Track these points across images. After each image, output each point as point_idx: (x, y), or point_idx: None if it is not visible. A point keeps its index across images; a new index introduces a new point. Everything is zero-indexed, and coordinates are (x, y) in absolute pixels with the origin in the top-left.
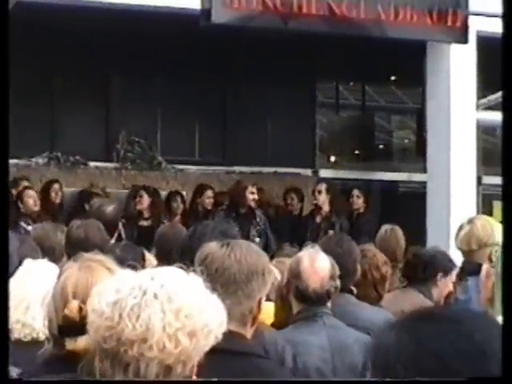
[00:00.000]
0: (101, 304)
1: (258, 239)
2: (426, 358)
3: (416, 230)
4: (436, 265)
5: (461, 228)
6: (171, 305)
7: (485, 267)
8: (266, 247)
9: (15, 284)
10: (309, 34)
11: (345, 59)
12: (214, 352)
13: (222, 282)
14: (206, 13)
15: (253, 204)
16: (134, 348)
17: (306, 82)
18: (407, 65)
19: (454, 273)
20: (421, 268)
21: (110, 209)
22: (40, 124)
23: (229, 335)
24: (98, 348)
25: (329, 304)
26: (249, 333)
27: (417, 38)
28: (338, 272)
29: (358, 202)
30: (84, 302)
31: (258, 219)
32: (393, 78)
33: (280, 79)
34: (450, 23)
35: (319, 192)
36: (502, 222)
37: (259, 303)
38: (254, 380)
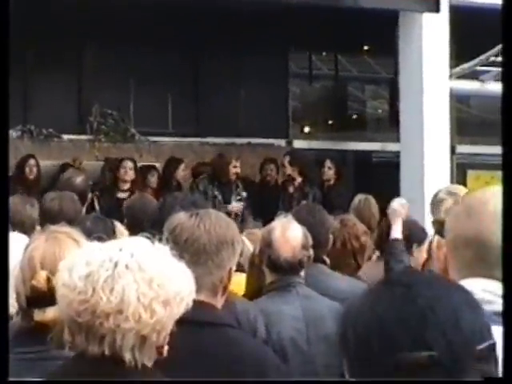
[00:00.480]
0: (72, 278)
1: (239, 203)
2: (374, 324)
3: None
4: (410, 235)
5: (441, 200)
6: (143, 274)
7: (436, 238)
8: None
9: None
10: (281, 3)
11: (318, 29)
12: (185, 322)
13: (191, 252)
14: None
15: (234, 177)
16: (110, 320)
17: (278, 52)
18: (380, 34)
19: (427, 242)
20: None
21: (78, 179)
22: (13, 97)
23: (199, 305)
24: (69, 322)
25: (302, 274)
26: (219, 302)
27: (389, 8)
28: (310, 241)
29: (329, 172)
30: (52, 272)
31: (238, 189)
32: (366, 47)
33: (253, 49)
34: None
35: (285, 164)
36: (502, 217)
37: (229, 273)
38: (255, 380)
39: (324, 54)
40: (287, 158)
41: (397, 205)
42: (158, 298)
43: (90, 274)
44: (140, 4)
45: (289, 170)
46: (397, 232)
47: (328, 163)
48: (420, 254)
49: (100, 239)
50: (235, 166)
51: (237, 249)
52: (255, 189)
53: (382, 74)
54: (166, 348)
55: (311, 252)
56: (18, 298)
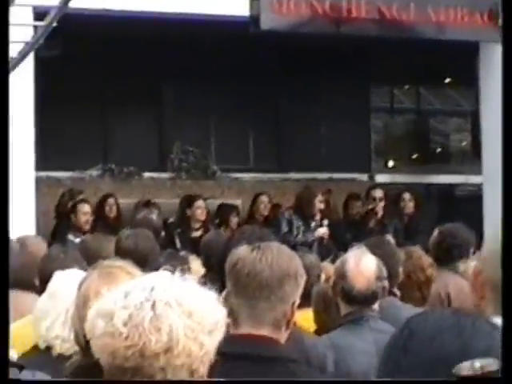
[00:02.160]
0: (114, 324)
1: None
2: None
3: (474, 231)
4: (465, 242)
5: None
6: (183, 309)
7: (474, 265)
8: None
9: (50, 297)
10: (361, 37)
11: (398, 62)
12: (249, 357)
13: (253, 286)
14: (254, 19)
15: (318, 212)
16: (161, 359)
17: (359, 87)
18: (461, 66)
19: None
20: (451, 247)
21: (154, 216)
22: (93, 136)
23: (262, 340)
24: (113, 369)
25: (376, 306)
26: (283, 337)
27: (469, 39)
28: (385, 273)
29: (409, 204)
30: None
31: (322, 221)
32: (447, 80)
33: (333, 84)
34: (501, 22)
35: (377, 198)
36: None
37: (293, 307)
38: (258, 380)
39: (406, 87)
40: (381, 192)
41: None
42: (203, 330)
43: (131, 317)
44: (218, 43)
45: (380, 203)
46: None
47: (407, 196)
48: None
49: (170, 270)
50: (320, 201)
51: (300, 282)
52: (339, 224)
53: (464, 107)
54: (205, 378)
55: (386, 283)
56: (76, 337)
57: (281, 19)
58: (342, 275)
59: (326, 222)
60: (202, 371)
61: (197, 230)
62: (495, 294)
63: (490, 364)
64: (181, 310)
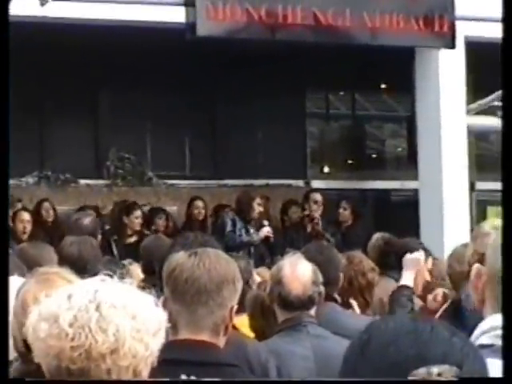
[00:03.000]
0: (60, 325)
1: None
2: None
3: (409, 237)
4: (403, 249)
5: (486, 233)
6: (127, 310)
7: (476, 267)
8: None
9: None
10: (296, 43)
11: (334, 68)
12: (187, 363)
13: (192, 292)
14: (190, 26)
15: (257, 216)
16: (107, 360)
17: (295, 93)
18: (397, 72)
19: (430, 260)
20: (393, 255)
21: (87, 221)
22: (29, 143)
23: (201, 345)
24: (58, 371)
25: (313, 312)
26: (222, 342)
27: (404, 45)
28: (320, 278)
29: (345, 213)
30: None
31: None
32: (383, 85)
33: (269, 90)
34: (437, 28)
35: (314, 202)
36: (501, 223)
37: (231, 311)
38: (255, 380)
39: (341, 93)
40: (318, 196)
41: (415, 255)
42: (147, 331)
43: (76, 318)
44: (154, 50)
45: (317, 207)
46: (407, 280)
47: (344, 204)
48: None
49: (109, 275)
50: (259, 204)
51: (238, 287)
52: (277, 230)
53: (399, 112)
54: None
55: (322, 289)
56: (14, 343)
57: (217, 26)
58: (278, 281)
59: (266, 222)
60: (145, 374)
61: (131, 236)
62: (494, 292)
63: (446, 371)
64: (125, 312)
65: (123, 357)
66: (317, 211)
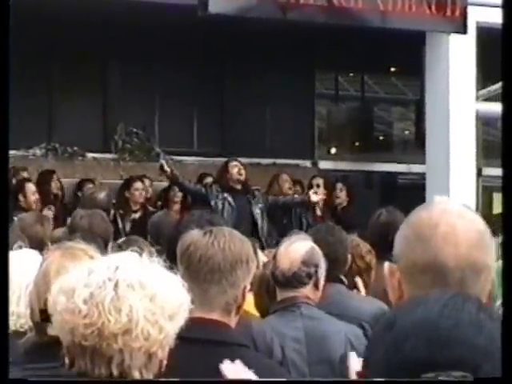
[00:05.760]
0: (75, 302)
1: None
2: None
3: None
4: None
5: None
6: (146, 291)
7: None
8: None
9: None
10: (307, 23)
11: (344, 50)
12: (198, 341)
13: (205, 270)
14: (202, 2)
15: (239, 184)
16: (119, 341)
17: (304, 73)
18: (407, 56)
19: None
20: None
21: (101, 195)
22: (38, 115)
23: (213, 324)
24: (72, 347)
25: (305, 291)
26: (233, 322)
27: (416, 28)
28: (316, 260)
29: (341, 195)
30: None
31: (254, 199)
32: (393, 69)
33: (279, 70)
34: (448, 13)
35: (317, 186)
36: (501, 217)
37: (243, 291)
38: (256, 380)
39: (351, 75)
40: (321, 180)
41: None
42: (163, 314)
43: (92, 296)
44: (166, 23)
45: (321, 191)
46: None
47: (339, 186)
48: None
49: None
50: (240, 174)
51: (251, 267)
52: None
53: (408, 96)
54: (165, 362)
55: (313, 270)
56: (31, 313)
57: (229, 3)
58: (273, 258)
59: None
60: (161, 355)
61: (135, 211)
62: (413, 278)
63: (455, 378)
64: (143, 293)
65: (135, 338)
66: (318, 196)
